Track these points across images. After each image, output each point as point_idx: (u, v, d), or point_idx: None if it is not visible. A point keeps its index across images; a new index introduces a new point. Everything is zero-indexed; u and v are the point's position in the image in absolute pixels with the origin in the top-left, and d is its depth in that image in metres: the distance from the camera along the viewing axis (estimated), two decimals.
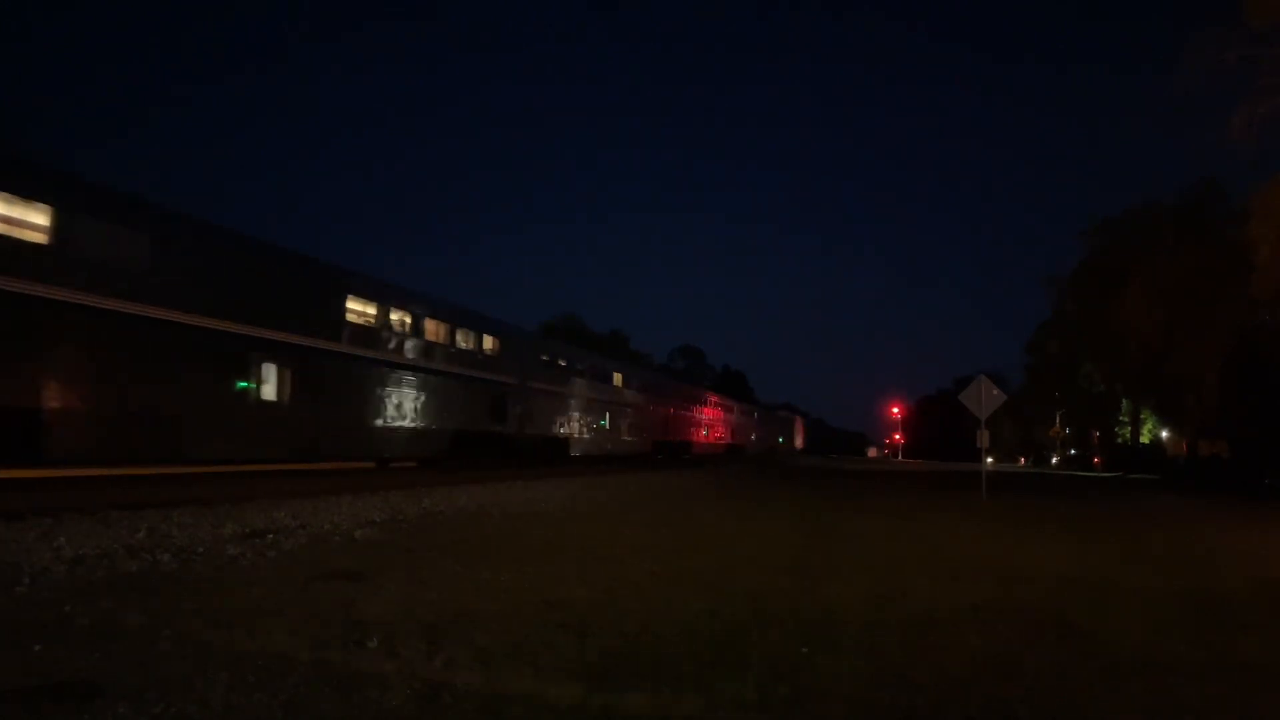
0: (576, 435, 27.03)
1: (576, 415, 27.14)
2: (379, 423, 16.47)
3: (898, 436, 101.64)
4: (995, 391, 16.86)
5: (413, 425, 17.54)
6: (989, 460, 22.14)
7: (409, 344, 17.49)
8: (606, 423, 30.18)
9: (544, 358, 24.94)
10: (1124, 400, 50.17)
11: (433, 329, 18.68)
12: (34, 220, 9.96)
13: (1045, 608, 5.01)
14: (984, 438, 17.40)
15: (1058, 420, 62.97)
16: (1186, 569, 6.99)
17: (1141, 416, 49.60)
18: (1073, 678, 3.53)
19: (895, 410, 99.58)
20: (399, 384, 17.02)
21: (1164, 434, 49.26)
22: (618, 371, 33.25)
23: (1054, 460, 68.56)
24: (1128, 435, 51.84)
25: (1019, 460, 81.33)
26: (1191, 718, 3.11)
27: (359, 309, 16.13)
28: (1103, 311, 35.76)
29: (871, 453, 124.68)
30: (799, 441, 78.64)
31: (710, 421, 46.62)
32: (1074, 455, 67.61)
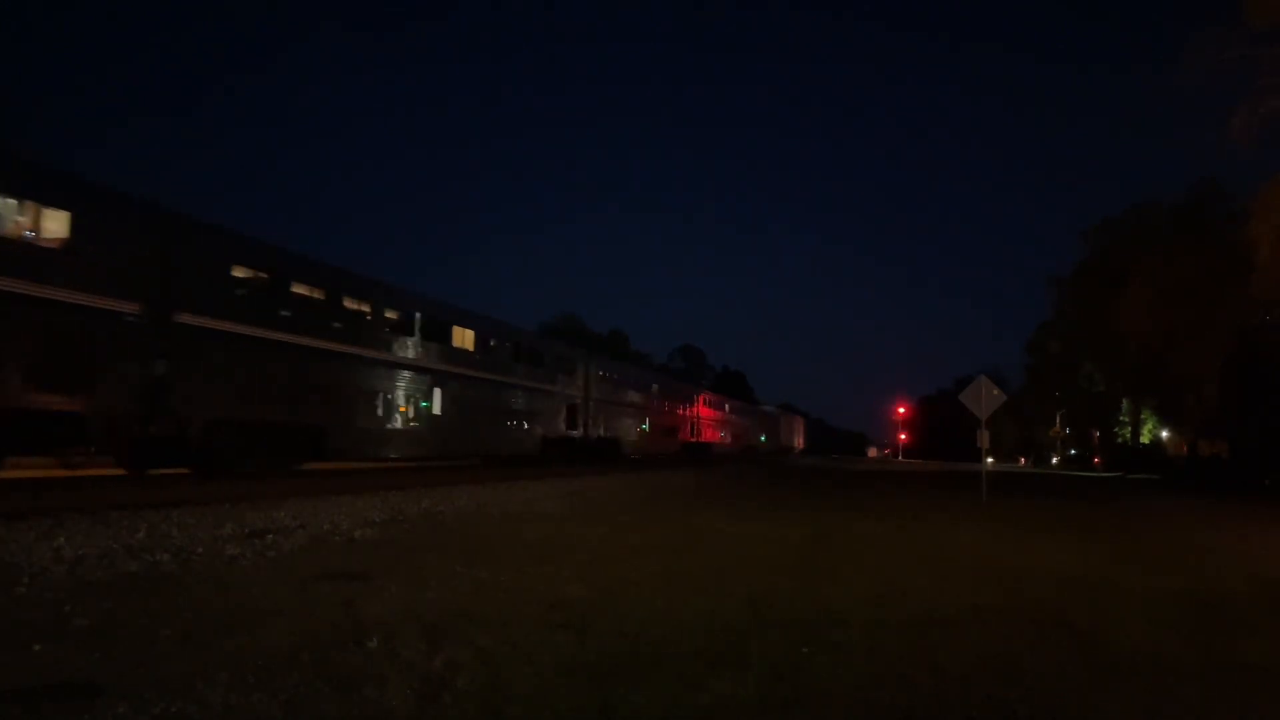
0: (348, 422, 16.01)
1: (349, 389, 16.01)
2: None
3: (901, 436, 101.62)
4: (995, 391, 16.86)
5: None
6: (989, 460, 22.13)
7: None
8: (436, 405, 19.06)
9: (241, 273, 13.83)
10: (1124, 400, 50.22)
11: None
12: None
13: (1045, 608, 5.01)
14: (984, 438, 17.39)
15: (1058, 420, 62.99)
16: (1187, 569, 6.99)
17: (1141, 416, 49.63)
18: (1073, 678, 3.53)
19: (901, 410, 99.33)
20: None
21: (1164, 434, 49.30)
22: (462, 326, 20.72)
23: (1054, 460, 68.57)
24: (1128, 435, 51.88)
25: (1019, 460, 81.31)
26: (1191, 718, 3.11)
27: None
28: (1103, 311, 35.78)
29: (871, 453, 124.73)
30: (799, 441, 78.15)
31: (653, 412, 36.21)
32: (1074, 455, 67.63)
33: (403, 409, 17.83)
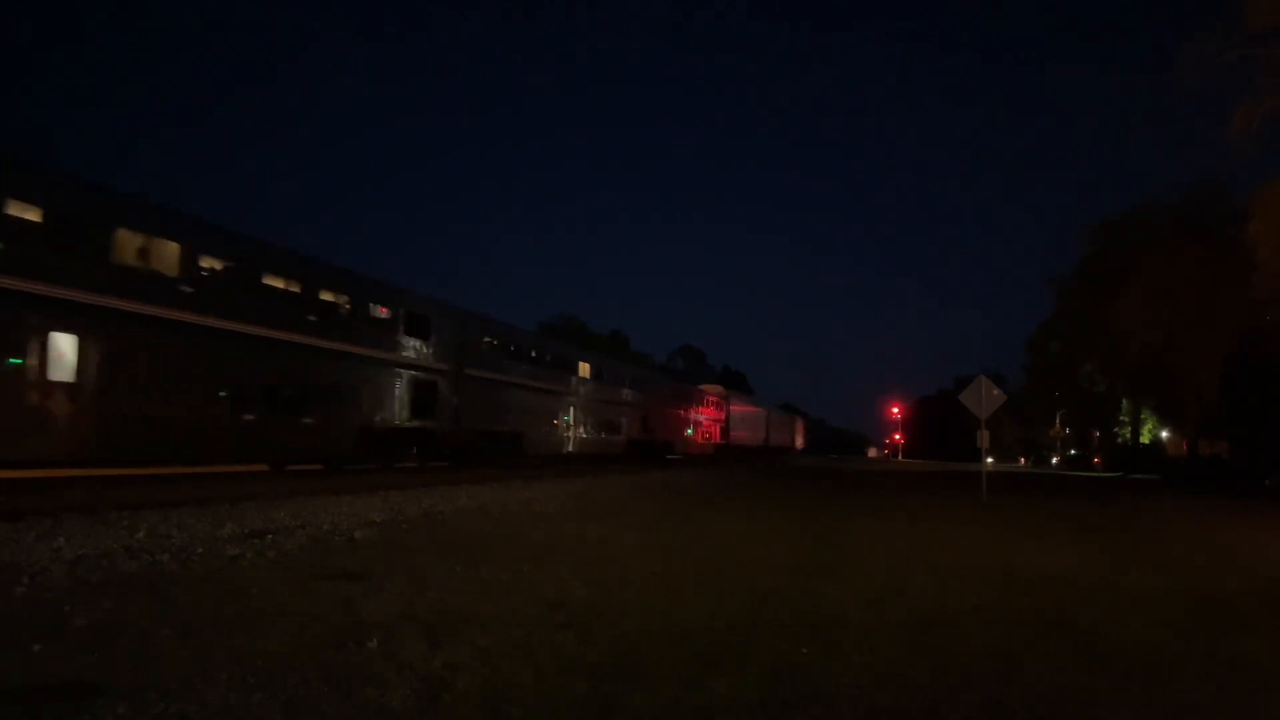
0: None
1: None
2: None
3: (898, 436, 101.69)
4: (995, 391, 16.85)
5: None
6: (989, 460, 22.12)
7: None
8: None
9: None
10: (1124, 400, 50.20)
11: None
12: None
13: (1045, 608, 5.01)
14: (984, 438, 17.39)
15: (1058, 420, 62.98)
16: (1187, 569, 6.99)
17: (1141, 416, 49.63)
18: (1073, 678, 3.53)
19: (895, 410, 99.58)
20: None
21: (1164, 434, 49.29)
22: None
23: (1054, 460, 68.55)
24: (1128, 435, 51.88)
25: (1019, 460, 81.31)
26: (1192, 717, 3.11)
27: None
28: (1103, 311, 35.75)
29: (871, 453, 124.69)
30: (799, 441, 77.87)
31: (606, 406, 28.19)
32: (1074, 455, 67.60)
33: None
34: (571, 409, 26.51)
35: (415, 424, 17.68)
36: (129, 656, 3.26)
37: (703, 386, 48.41)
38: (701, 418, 43.13)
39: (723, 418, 46.79)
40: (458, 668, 3.29)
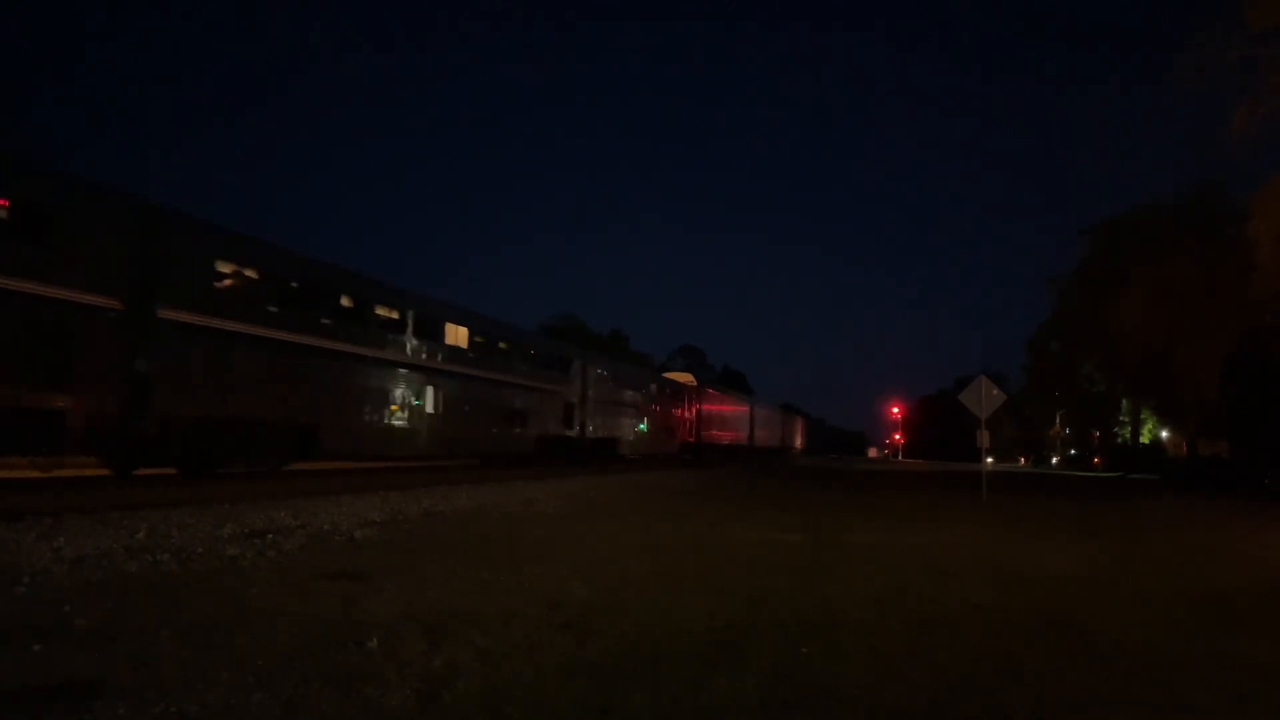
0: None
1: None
2: None
3: (898, 436, 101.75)
4: (995, 391, 16.85)
5: None
6: (989, 460, 22.12)
7: None
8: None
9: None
10: (1124, 400, 50.21)
11: None
12: None
13: (1046, 608, 5.01)
14: (984, 438, 17.39)
15: (1058, 420, 63.00)
16: (1187, 569, 6.99)
17: (1141, 416, 49.65)
18: (1073, 678, 3.53)
19: (895, 410, 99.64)
20: None
21: (1164, 434, 49.31)
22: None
23: (1054, 460, 68.57)
24: (1128, 435, 51.90)
25: (1019, 460, 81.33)
26: (1192, 718, 3.11)
27: None
28: (1103, 311, 35.79)
29: (872, 453, 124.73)
30: (799, 441, 77.74)
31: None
32: (1074, 455, 67.63)
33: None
34: (430, 391, 18.07)
35: (23, 403, 9.70)
36: (129, 656, 3.26)
37: (667, 374, 39.96)
38: (662, 411, 34.35)
39: (693, 412, 38.66)
40: (458, 668, 3.29)
